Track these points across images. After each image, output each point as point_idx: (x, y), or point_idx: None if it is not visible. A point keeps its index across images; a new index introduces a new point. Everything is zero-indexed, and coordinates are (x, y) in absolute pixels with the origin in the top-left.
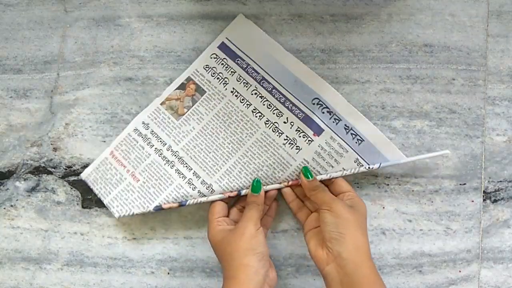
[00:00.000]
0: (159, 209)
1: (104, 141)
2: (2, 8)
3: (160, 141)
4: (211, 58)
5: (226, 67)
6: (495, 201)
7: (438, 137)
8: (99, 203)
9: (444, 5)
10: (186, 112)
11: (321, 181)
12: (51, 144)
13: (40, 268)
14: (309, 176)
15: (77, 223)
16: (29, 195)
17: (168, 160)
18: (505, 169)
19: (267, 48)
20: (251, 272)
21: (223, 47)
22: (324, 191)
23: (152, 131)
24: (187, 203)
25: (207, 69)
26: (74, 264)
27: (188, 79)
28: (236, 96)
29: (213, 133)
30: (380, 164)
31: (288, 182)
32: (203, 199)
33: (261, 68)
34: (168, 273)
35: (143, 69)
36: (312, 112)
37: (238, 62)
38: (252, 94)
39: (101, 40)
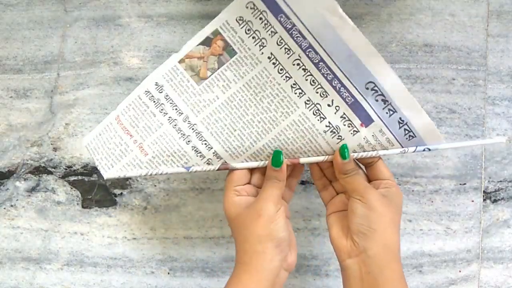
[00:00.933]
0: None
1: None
2: (2, 8)
3: (176, 108)
4: (247, 7)
5: (266, 24)
6: (495, 201)
7: None
8: (99, 203)
9: (444, 5)
10: (210, 76)
11: (358, 160)
12: (51, 144)
13: (40, 268)
14: (346, 156)
15: (77, 223)
16: (29, 195)
17: (184, 134)
18: (505, 169)
19: (321, 6)
20: (265, 260)
21: None
22: (358, 176)
23: (167, 95)
24: (191, 169)
25: (240, 22)
26: (74, 264)
27: (215, 33)
28: (274, 64)
29: (241, 107)
30: (417, 148)
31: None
32: (211, 167)
33: (309, 33)
34: (168, 273)
35: (143, 69)
36: (364, 98)
37: (282, 19)
38: (293, 64)
39: (101, 40)
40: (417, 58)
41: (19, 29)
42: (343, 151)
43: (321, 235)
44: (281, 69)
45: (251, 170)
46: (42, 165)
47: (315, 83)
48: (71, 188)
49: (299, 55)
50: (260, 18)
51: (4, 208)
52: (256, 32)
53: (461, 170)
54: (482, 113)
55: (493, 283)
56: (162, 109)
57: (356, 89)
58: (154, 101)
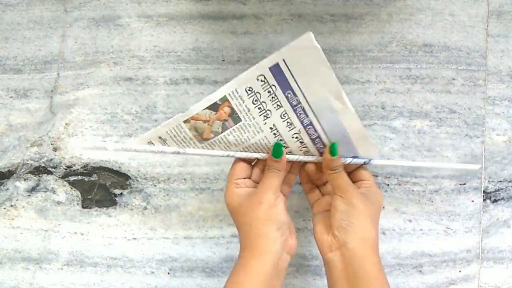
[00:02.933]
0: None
1: (104, 141)
2: (2, 8)
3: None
4: (258, 80)
5: (273, 98)
6: (495, 201)
7: (438, 137)
8: (99, 203)
9: (444, 5)
10: (213, 138)
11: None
12: (51, 144)
13: (40, 268)
14: (335, 153)
15: (77, 223)
16: (29, 195)
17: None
18: (505, 169)
19: (327, 87)
20: (268, 242)
21: (276, 70)
22: (342, 175)
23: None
24: (185, 150)
25: (249, 92)
26: (74, 264)
27: (223, 99)
28: (274, 134)
29: None
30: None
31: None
32: (208, 151)
33: (312, 111)
34: (168, 273)
35: (143, 69)
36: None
37: (289, 95)
38: (293, 137)
39: (101, 40)
40: (417, 58)
41: (19, 29)
42: (333, 148)
43: None
44: (280, 140)
45: (252, 166)
46: (42, 165)
47: (308, 154)
48: (71, 188)
49: (299, 130)
50: (269, 92)
51: (4, 208)
52: (263, 103)
53: (461, 170)
54: (482, 113)
55: (493, 283)
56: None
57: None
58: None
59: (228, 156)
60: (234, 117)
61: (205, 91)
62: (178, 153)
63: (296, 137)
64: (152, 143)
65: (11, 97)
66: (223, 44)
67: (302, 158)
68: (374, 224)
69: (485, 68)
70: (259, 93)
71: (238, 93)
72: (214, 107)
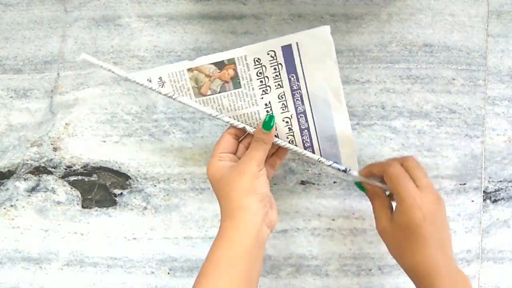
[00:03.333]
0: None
1: (104, 141)
2: (2, 8)
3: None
4: (268, 54)
5: (276, 76)
6: (495, 201)
7: (438, 137)
8: (99, 203)
9: (444, 5)
10: (209, 95)
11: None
12: (51, 144)
13: (40, 268)
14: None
15: (77, 223)
16: (29, 195)
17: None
18: (505, 169)
19: (329, 82)
20: (249, 213)
21: (287, 50)
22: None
23: (160, 92)
24: (178, 97)
25: (256, 63)
26: (74, 264)
27: (231, 61)
28: (267, 111)
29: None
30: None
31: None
32: (199, 106)
33: (309, 101)
34: (168, 273)
35: (143, 69)
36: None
37: (292, 78)
38: (283, 120)
39: (101, 40)
40: (417, 58)
41: (19, 29)
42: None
43: (321, 235)
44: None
45: (238, 143)
46: (42, 165)
47: (293, 143)
48: (71, 188)
49: (291, 115)
50: (275, 68)
51: (4, 208)
52: (266, 78)
53: (461, 170)
54: (482, 113)
55: (493, 283)
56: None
57: (324, 161)
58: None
59: (216, 117)
60: (235, 81)
61: None
62: (171, 97)
63: (287, 122)
64: (150, 81)
65: (11, 97)
66: (223, 44)
67: (289, 146)
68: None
69: (485, 68)
70: (265, 66)
71: (246, 60)
72: (220, 65)
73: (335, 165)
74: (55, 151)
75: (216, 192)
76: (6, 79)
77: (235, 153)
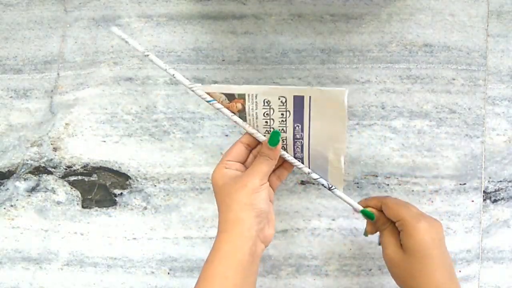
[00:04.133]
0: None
1: (104, 141)
2: (2, 8)
3: None
4: (279, 99)
5: (282, 121)
6: (495, 201)
7: (438, 137)
8: (99, 203)
9: (444, 5)
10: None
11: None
12: (51, 144)
13: (40, 268)
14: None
15: (77, 223)
16: (29, 195)
17: None
18: (505, 169)
19: (333, 143)
20: (244, 228)
21: (298, 100)
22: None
23: None
24: (194, 87)
25: (265, 104)
26: (74, 264)
27: (241, 96)
28: None
29: None
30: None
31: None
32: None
33: (308, 153)
34: (168, 273)
35: (143, 69)
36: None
37: (296, 127)
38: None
39: (101, 40)
40: (417, 58)
41: (19, 29)
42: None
43: (321, 235)
44: None
45: (249, 152)
46: (42, 165)
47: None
48: (71, 188)
49: (288, 161)
50: (282, 114)
51: (4, 208)
52: (271, 120)
53: (461, 170)
54: (482, 113)
55: (493, 283)
56: None
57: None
58: None
59: (230, 117)
60: (242, 115)
61: None
62: (189, 87)
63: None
64: (174, 68)
65: (11, 97)
66: (223, 44)
67: (296, 162)
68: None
69: (485, 68)
70: (273, 109)
71: (256, 99)
72: (230, 97)
73: (321, 180)
74: (55, 151)
75: (217, 199)
76: (6, 79)
77: (244, 162)
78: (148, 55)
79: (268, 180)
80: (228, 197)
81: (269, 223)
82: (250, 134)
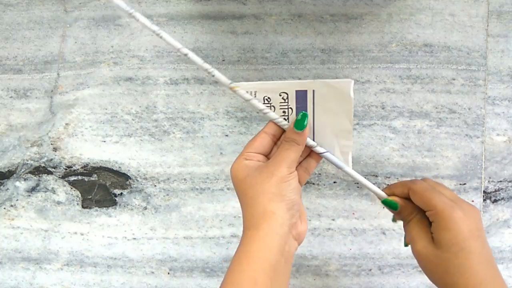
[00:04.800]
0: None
1: (104, 141)
2: (2, 8)
3: None
4: (280, 95)
5: (284, 119)
6: (495, 201)
7: (438, 137)
8: (99, 203)
9: (444, 5)
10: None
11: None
12: (51, 144)
13: (40, 268)
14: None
15: (77, 223)
16: (29, 195)
17: None
18: (505, 169)
19: (339, 139)
20: (276, 223)
21: (301, 95)
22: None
23: None
24: (214, 72)
25: (266, 101)
26: (74, 264)
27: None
28: None
29: None
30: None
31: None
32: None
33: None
34: (168, 273)
35: (143, 69)
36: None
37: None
38: None
39: (101, 40)
40: (417, 58)
41: (19, 29)
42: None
43: (321, 235)
44: None
45: (273, 145)
46: (42, 165)
47: None
48: (71, 188)
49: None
50: (284, 112)
51: (4, 208)
52: (270, 114)
53: (461, 170)
54: (482, 113)
55: None
56: None
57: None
58: None
59: (249, 94)
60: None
61: (205, 91)
62: (211, 73)
63: None
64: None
65: (11, 97)
66: (223, 44)
67: (321, 149)
68: None
69: (485, 68)
70: (274, 107)
71: (255, 96)
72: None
73: (328, 154)
74: (55, 151)
75: (238, 194)
76: (6, 79)
77: (267, 155)
78: (161, 35)
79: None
80: (252, 189)
81: (301, 218)
82: (276, 123)
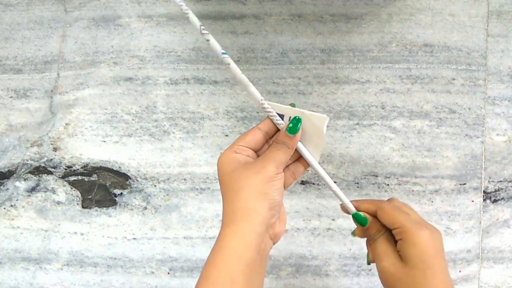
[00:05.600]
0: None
1: (104, 141)
2: (2, 8)
3: None
4: (262, 107)
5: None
6: (495, 201)
7: (438, 137)
8: (99, 203)
9: (444, 5)
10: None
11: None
12: (51, 144)
13: (40, 268)
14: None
15: (77, 223)
16: (29, 195)
17: None
18: (505, 169)
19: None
20: (255, 221)
21: (280, 117)
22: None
23: None
24: (231, 63)
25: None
26: (74, 264)
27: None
28: None
29: None
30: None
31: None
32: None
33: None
34: (168, 273)
35: (143, 69)
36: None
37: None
38: None
39: (101, 40)
40: (417, 58)
41: (19, 29)
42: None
43: (321, 235)
44: None
45: (264, 142)
46: (42, 165)
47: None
48: (71, 188)
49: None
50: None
51: (4, 208)
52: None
53: (461, 170)
54: (482, 113)
55: (493, 283)
56: None
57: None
58: None
59: (260, 101)
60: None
61: (205, 91)
62: (227, 63)
63: None
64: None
65: (11, 97)
66: (223, 44)
67: (312, 161)
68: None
69: (485, 68)
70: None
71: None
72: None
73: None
74: (55, 151)
75: (222, 186)
76: (6, 79)
77: (257, 151)
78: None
79: None
80: (237, 183)
81: (280, 219)
82: (271, 120)
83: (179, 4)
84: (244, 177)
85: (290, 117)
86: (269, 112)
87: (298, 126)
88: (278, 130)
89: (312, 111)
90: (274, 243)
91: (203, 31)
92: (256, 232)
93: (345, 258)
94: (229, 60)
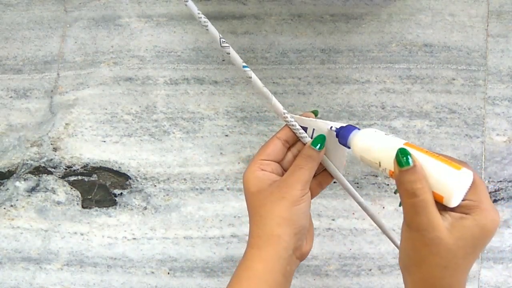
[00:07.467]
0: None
1: (104, 141)
2: (2, 8)
3: None
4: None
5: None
6: (495, 201)
7: (438, 137)
8: (99, 203)
9: (444, 5)
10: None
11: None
12: (51, 144)
13: (40, 268)
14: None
15: (77, 223)
16: (29, 195)
17: None
18: (505, 169)
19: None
20: (280, 247)
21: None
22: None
23: None
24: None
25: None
26: (74, 264)
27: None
28: None
29: None
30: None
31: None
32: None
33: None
34: (168, 273)
35: (143, 69)
36: None
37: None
38: None
39: (101, 40)
40: (417, 58)
41: (19, 29)
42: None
43: (321, 235)
44: None
45: (285, 151)
46: (42, 165)
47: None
48: (71, 188)
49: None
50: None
51: (4, 208)
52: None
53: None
54: (482, 113)
55: (493, 283)
56: None
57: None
58: None
59: (283, 114)
60: None
61: (205, 91)
62: (248, 77)
63: None
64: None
65: (11, 97)
66: None
67: (337, 174)
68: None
69: (485, 68)
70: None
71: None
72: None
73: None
74: (55, 151)
75: (249, 207)
76: (6, 79)
77: (280, 161)
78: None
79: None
80: (262, 208)
81: (307, 239)
82: (291, 129)
83: (197, 16)
84: (269, 202)
85: (314, 129)
86: (293, 125)
87: (323, 144)
88: (298, 138)
89: (334, 121)
90: (301, 261)
91: (223, 44)
92: (281, 258)
93: (345, 258)
94: (251, 73)
